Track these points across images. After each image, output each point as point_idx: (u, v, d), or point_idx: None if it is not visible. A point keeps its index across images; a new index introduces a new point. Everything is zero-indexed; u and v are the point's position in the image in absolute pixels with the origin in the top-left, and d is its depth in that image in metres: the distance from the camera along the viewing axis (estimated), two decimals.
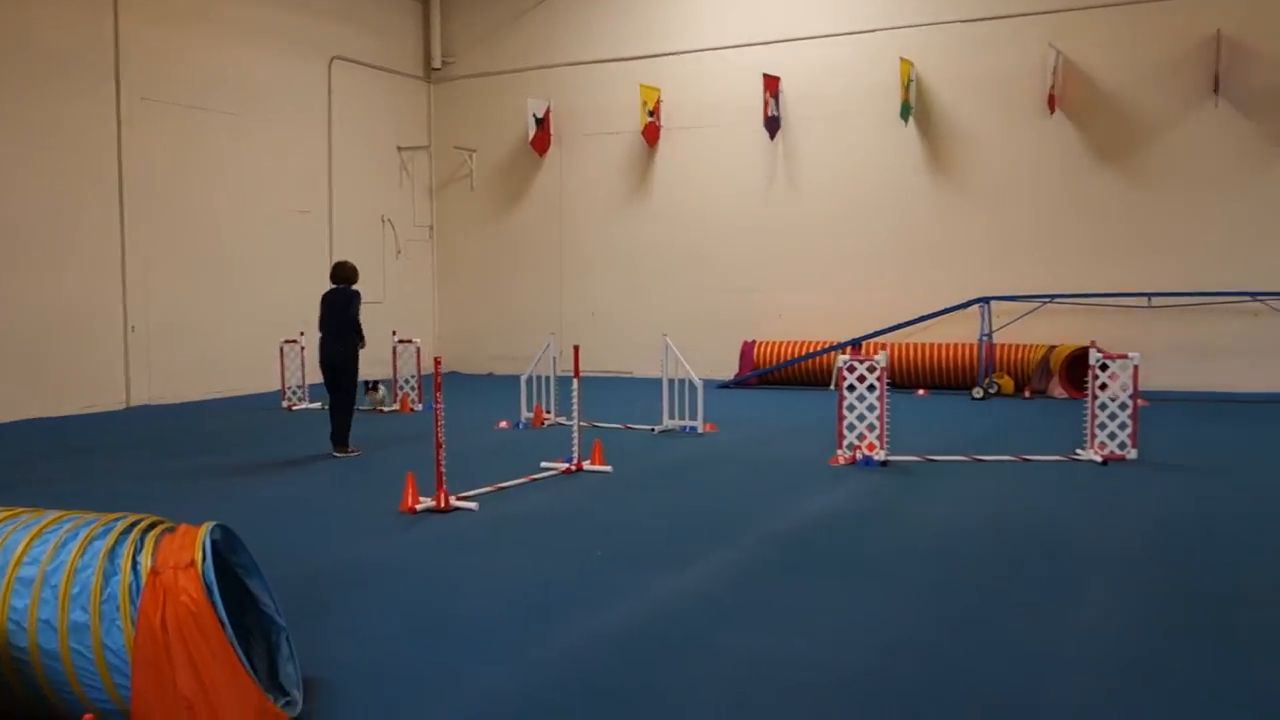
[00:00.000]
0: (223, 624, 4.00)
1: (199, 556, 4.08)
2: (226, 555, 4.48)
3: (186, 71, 16.83)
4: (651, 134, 19.66)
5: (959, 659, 5.01)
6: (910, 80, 17.37)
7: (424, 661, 5.05)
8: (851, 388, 10.29)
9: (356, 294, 11.30)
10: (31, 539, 4.21)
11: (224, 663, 3.97)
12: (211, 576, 4.05)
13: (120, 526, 4.26)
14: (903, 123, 17.57)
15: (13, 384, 14.33)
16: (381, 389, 15.15)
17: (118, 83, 15.78)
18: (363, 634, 5.46)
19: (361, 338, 11.22)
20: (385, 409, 14.96)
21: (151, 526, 4.32)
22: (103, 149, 15.63)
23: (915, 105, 17.57)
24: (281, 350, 15.98)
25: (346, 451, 11.19)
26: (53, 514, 4.43)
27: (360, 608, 5.90)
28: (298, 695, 4.42)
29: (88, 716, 3.76)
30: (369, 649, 5.23)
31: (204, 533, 4.21)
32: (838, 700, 4.53)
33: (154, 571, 4.03)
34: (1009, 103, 17.22)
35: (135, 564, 4.07)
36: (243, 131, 17.79)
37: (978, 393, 15.80)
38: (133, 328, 16.00)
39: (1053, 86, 16.52)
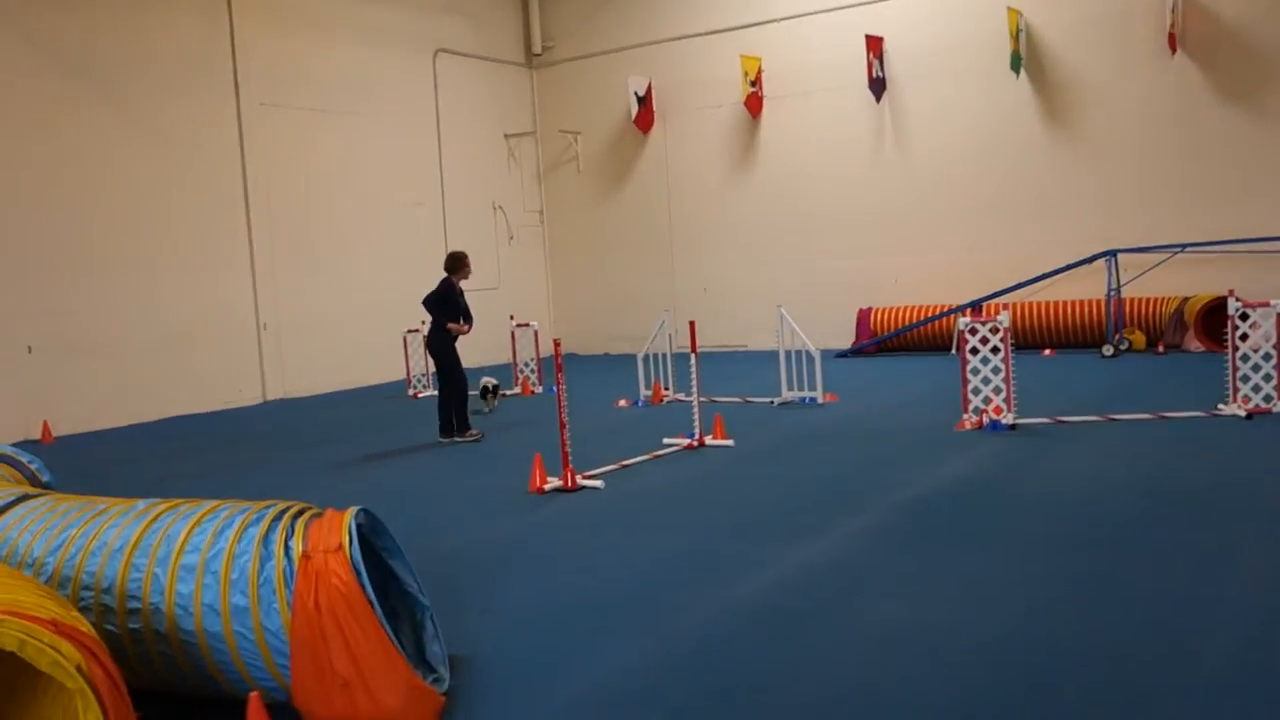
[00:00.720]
0: (372, 604, 4.15)
1: (346, 540, 4.24)
2: (371, 538, 4.64)
3: (299, 74, 17.33)
4: (754, 104, 19.49)
5: (1099, 620, 4.89)
6: (1019, 30, 16.82)
7: (563, 637, 5.16)
8: (975, 350, 10.08)
9: (445, 282, 11.42)
10: (191, 528, 4.43)
11: (375, 641, 4.13)
12: (359, 559, 4.20)
13: (272, 514, 4.45)
14: (1014, 75, 17.04)
15: (158, 383, 15.05)
16: (492, 396, 13.74)
17: (237, 89, 16.34)
18: (502, 612, 5.59)
19: (445, 323, 11.30)
20: (488, 411, 13.54)
21: (301, 513, 4.50)
22: (226, 154, 16.22)
23: (1026, 56, 17.02)
24: (405, 340, 16.39)
25: (457, 436, 11.30)
26: (209, 504, 4.65)
27: (498, 586, 6.05)
28: (444, 672, 4.57)
29: (254, 694, 3.95)
30: (509, 626, 5.36)
31: (349, 517, 4.37)
32: (978, 663, 4.48)
33: (305, 556, 4.20)
34: (1127, 46, 16.54)
35: (288, 549, 4.25)
36: (355, 129, 18.26)
37: (1108, 350, 15.29)
38: (265, 325, 16.62)
39: (1172, 25, 15.81)
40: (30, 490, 5.54)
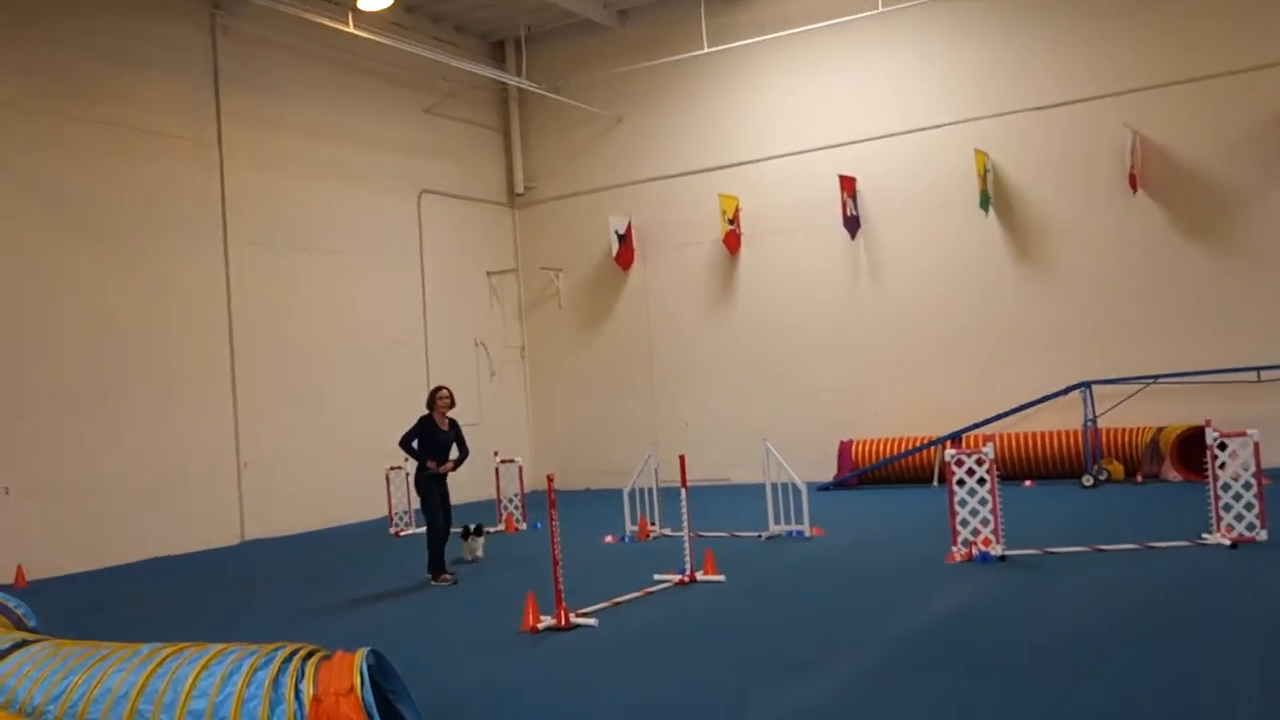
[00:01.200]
0: None
1: (358, 683, 4.22)
2: (379, 680, 4.60)
3: (287, 214, 17.67)
4: (733, 241, 19.99)
5: None
6: (986, 170, 17.49)
7: None
8: (961, 482, 10.18)
9: (421, 419, 11.43)
10: (199, 672, 4.39)
11: None
12: (371, 702, 4.18)
13: (281, 656, 4.42)
14: (983, 213, 17.63)
15: (136, 524, 14.85)
16: (477, 540, 12.63)
17: (225, 229, 16.63)
18: None
19: (411, 455, 11.37)
20: (474, 557, 12.49)
21: (310, 654, 4.47)
22: (212, 292, 16.41)
23: (994, 194, 17.65)
24: (387, 477, 16.32)
25: (436, 579, 11.07)
26: (216, 647, 4.61)
27: None
28: None
29: None
30: None
31: (360, 659, 4.35)
32: None
33: (317, 699, 4.17)
34: (1090, 185, 17.21)
35: (298, 692, 4.22)
36: (340, 267, 18.54)
37: (1087, 480, 15.45)
38: (245, 463, 16.53)
39: (1133, 166, 16.49)
40: (27, 635, 5.46)
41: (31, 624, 6.58)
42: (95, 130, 14.99)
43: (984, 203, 17.51)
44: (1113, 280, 17.07)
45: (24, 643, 5.10)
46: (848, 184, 18.77)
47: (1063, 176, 17.42)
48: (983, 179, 17.44)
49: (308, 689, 4.21)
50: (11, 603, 6.87)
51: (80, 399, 14.46)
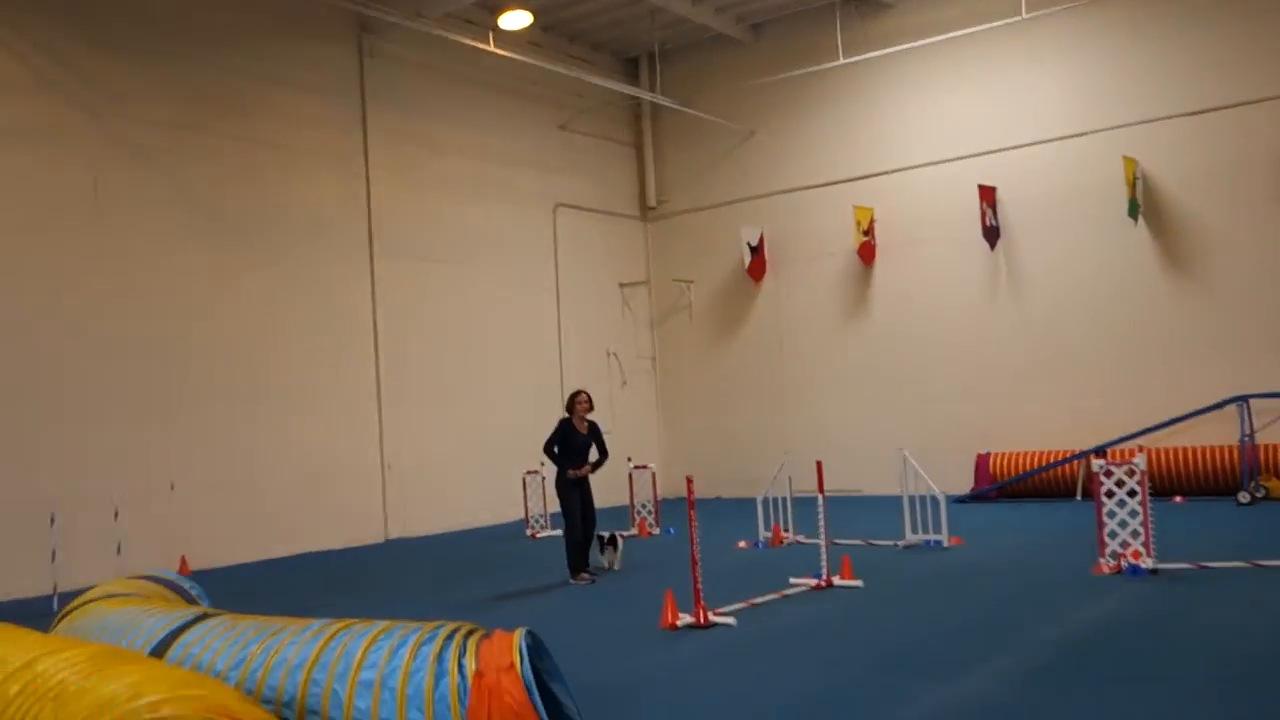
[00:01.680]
0: None
1: (518, 659, 4.38)
2: (534, 660, 4.76)
3: (428, 228, 18.29)
4: (867, 253, 19.81)
5: None
6: (1136, 178, 16.93)
7: None
8: (1110, 493, 9.89)
9: (561, 422, 11.66)
10: (368, 645, 4.62)
11: None
12: (530, 678, 4.34)
13: (444, 633, 4.62)
14: (1132, 222, 17.07)
15: (288, 520, 15.56)
16: (614, 552, 12.13)
17: (370, 243, 17.31)
18: None
19: (552, 459, 11.59)
20: (612, 568, 12.07)
21: (471, 633, 4.66)
22: (359, 303, 17.09)
23: (1144, 203, 17.07)
24: (524, 480, 16.70)
25: (575, 578, 11.32)
26: (382, 623, 4.85)
27: (642, 715, 6.06)
28: None
29: None
30: None
31: (519, 637, 4.52)
32: None
33: (479, 674, 4.34)
34: (1244, 192, 16.48)
35: (461, 666, 4.41)
36: (479, 278, 19.08)
37: (1244, 497, 14.78)
38: (388, 466, 17.13)
39: None
40: (206, 610, 5.82)
41: (205, 604, 7.00)
42: (251, 148, 15.77)
43: (1133, 211, 16.95)
44: (1269, 290, 16.29)
45: (205, 616, 5.45)
46: (987, 194, 18.42)
47: (1216, 184, 16.74)
48: (1131, 186, 16.88)
49: (470, 664, 4.39)
50: (186, 584, 7.32)
51: (237, 401, 15.24)
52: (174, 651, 5.05)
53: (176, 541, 14.07)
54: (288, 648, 4.79)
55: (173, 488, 14.38)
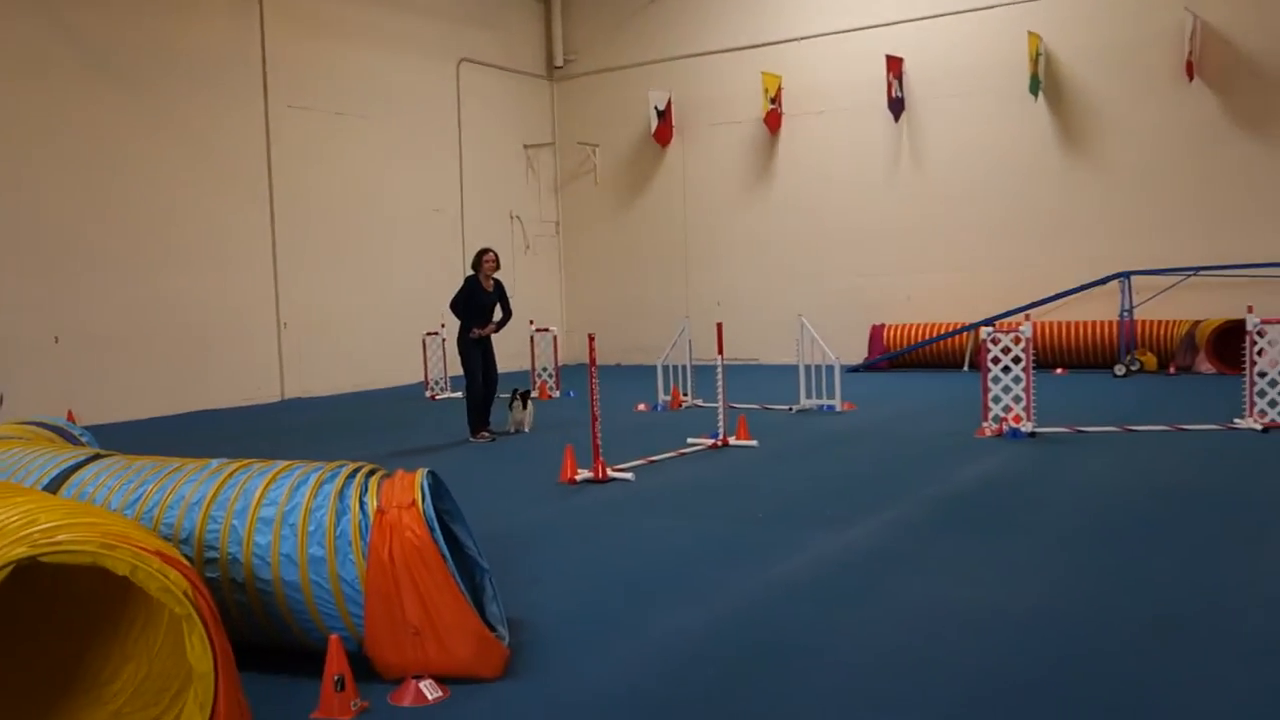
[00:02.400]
0: (444, 558, 4.32)
1: (419, 497, 4.41)
2: (435, 501, 4.80)
3: (326, 77, 17.60)
4: (774, 121, 19.76)
5: (1127, 599, 5.08)
6: (1039, 54, 17.10)
7: (610, 604, 5.34)
8: (995, 359, 10.27)
9: (466, 281, 11.52)
10: (268, 484, 4.61)
11: (446, 593, 4.30)
12: (432, 515, 4.38)
13: (345, 472, 4.63)
14: (1032, 98, 17.31)
15: (177, 378, 15.24)
16: (523, 410, 11.97)
17: (265, 90, 16.60)
18: (549, 583, 5.77)
19: (459, 317, 11.47)
20: (520, 428, 11.92)
21: (372, 472, 4.68)
22: (253, 155, 16.47)
23: (1045, 79, 17.29)
24: (424, 342, 16.58)
25: (475, 436, 11.39)
26: (282, 463, 4.82)
27: (541, 561, 6.22)
28: (504, 631, 4.72)
29: (334, 638, 4.11)
30: (557, 595, 5.53)
31: (420, 477, 4.55)
32: (1010, 633, 4.66)
33: (380, 511, 4.37)
34: (1145, 72, 16.81)
35: (363, 504, 4.43)
36: (378, 133, 18.52)
37: (1120, 370, 15.49)
38: (285, 324, 16.81)
39: (1190, 53, 16.08)
40: (100, 451, 5.71)
41: (95, 449, 6.86)
42: None
43: (1034, 87, 17.17)
44: (1161, 170, 16.80)
45: (98, 456, 5.35)
46: (894, 65, 18.43)
47: (1118, 62, 17.01)
48: (1034, 63, 17.06)
49: (371, 501, 4.41)
50: (77, 430, 7.16)
51: (124, 253, 14.69)
52: (67, 490, 4.96)
53: (62, 396, 13.69)
54: (185, 485, 4.74)
55: (57, 340, 13.92)
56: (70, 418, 13.46)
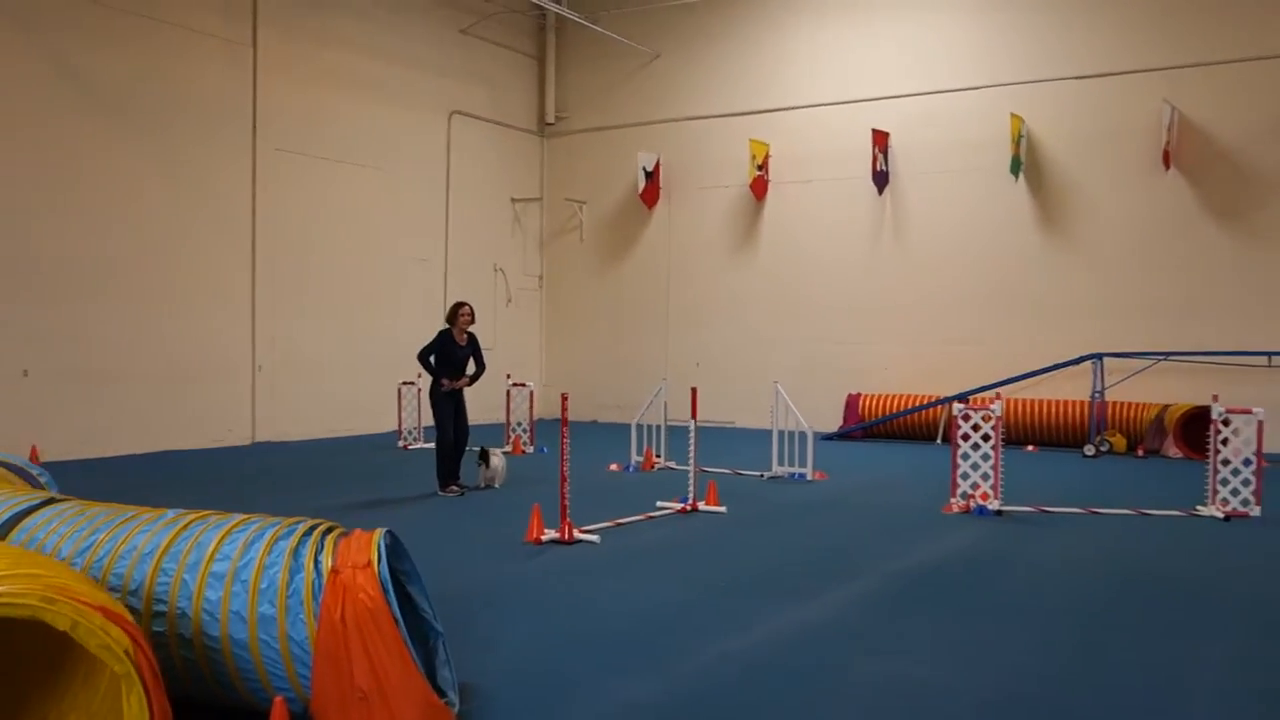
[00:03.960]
0: (397, 622, 4.29)
1: (375, 558, 4.39)
2: (392, 561, 4.77)
3: (317, 124, 17.72)
4: (760, 188, 19.98)
5: (1082, 686, 5.07)
6: (1021, 135, 17.41)
7: (565, 671, 5.29)
8: (965, 436, 10.32)
9: (440, 334, 11.50)
10: (222, 538, 4.57)
11: (397, 658, 4.26)
12: (387, 577, 4.35)
13: (302, 529, 4.60)
14: (1013, 178, 17.59)
15: (148, 417, 15.13)
16: (493, 462, 11.95)
17: (254, 133, 16.70)
18: (504, 646, 5.72)
19: (427, 369, 11.41)
20: (496, 484, 11.93)
21: (329, 530, 4.65)
22: (238, 196, 16.52)
23: (1026, 160, 17.59)
24: (399, 391, 16.54)
25: (444, 489, 11.35)
26: (238, 516, 4.79)
27: (499, 623, 6.17)
28: (454, 697, 4.67)
29: (278, 700, 4.06)
30: (512, 659, 5.49)
31: (378, 537, 4.52)
32: (963, 715, 4.64)
33: (334, 571, 4.34)
34: (1123, 159, 17.13)
35: (317, 563, 4.39)
36: (366, 181, 18.62)
37: (1089, 450, 15.59)
38: (260, 367, 16.75)
39: (1167, 143, 16.40)
40: (55, 495, 5.66)
41: (54, 491, 6.79)
42: (136, 21, 14.99)
43: (1015, 168, 17.45)
44: (1136, 255, 17.05)
45: (52, 500, 5.29)
46: (880, 139, 18.72)
47: (1097, 148, 17.34)
48: (1016, 144, 17.37)
49: (326, 561, 4.38)
50: (35, 470, 7.08)
51: (100, 287, 14.64)
52: (17, 535, 4.90)
53: (28, 430, 13.57)
54: (138, 536, 4.70)
55: (26, 374, 13.82)
56: (34, 453, 13.36)
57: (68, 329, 14.25)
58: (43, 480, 7.09)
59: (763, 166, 19.91)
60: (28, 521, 5.02)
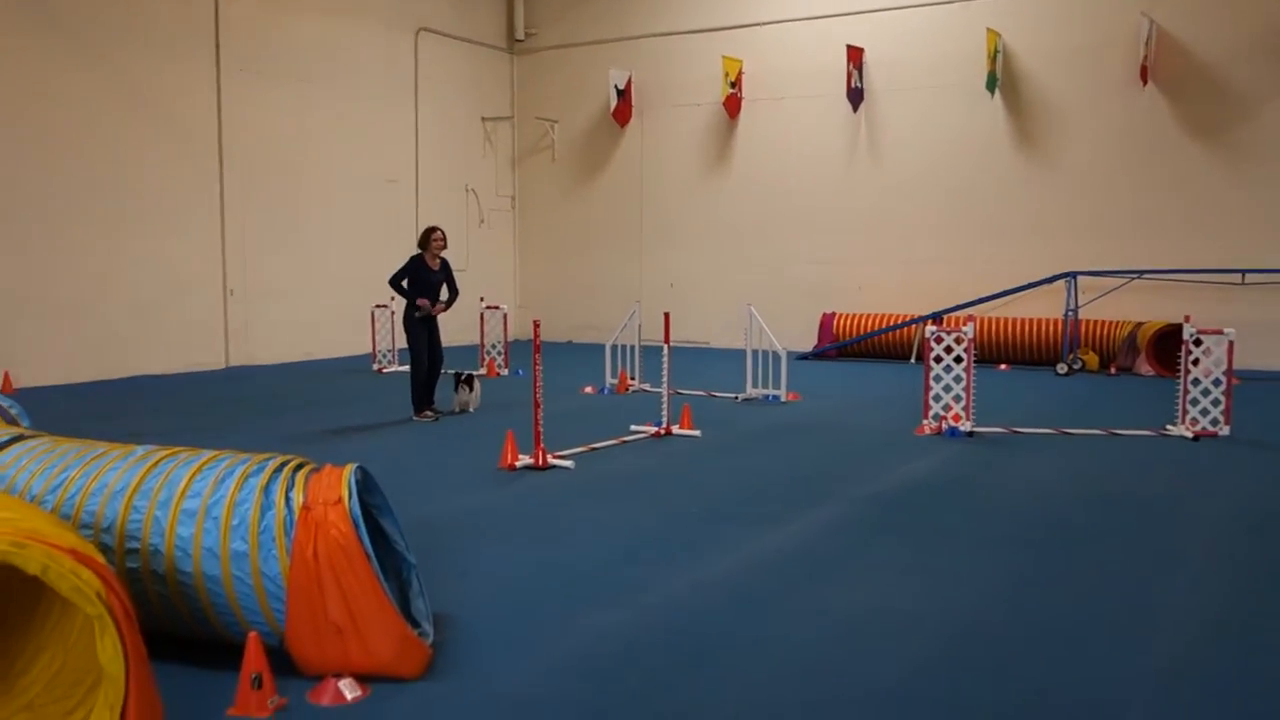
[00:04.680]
0: (368, 557, 4.31)
1: (346, 494, 4.39)
2: (364, 495, 4.78)
3: (282, 43, 17.31)
4: (733, 105, 19.74)
5: (1050, 611, 5.17)
6: (997, 51, 17.22)
7: (541, 601, 5.35)
8: (938, 358, 10.39)
9: (412, 258, 11.40)
10: (193, 474, 4.56)
11: (370, 592, 4.28)
12: (358, 513, 4.36)
13: (273, 465, 4.59)
14: (989, 94, 17.44)
15: (120, 342, 15.00)
16: (469, 389, 11.98)
17: (218, 54, 16.30)
18: (480, 576, 5.77)
19: (400, 294, 11.34)
20: (464, 409, 11.89)
21: (300, 466, 4.65)
22: (203, 118, 16.18)
23: (1002, 77, 17.42)
24: (372, 314, 16.44)
25: (419, 415, 11.35)
26: (209, 453, 4.77)
27: (473, 553, 6.22)
28: (429, 628, 4.72)
29: (253, 634, 4.09)
30: (486, 589, 5.54)
31: (349, 473, 4.52)
32: (933, 646, 4.73)
33: (306, 507, 4.34)
34: (1100, 75, 16.99)
35: (289, 499, 4.39)
36: (334, 101, 18.26)
37: (1062, 369, 15.72)
38: (231, 291, 16.59)
39: (1145, 58, 16.27)
40: (23, 431, 5.61)
41: (25, 424, 6.74)
42: None
43: (991, 84, 17.29)
44: (1112, 173, 17.02)
45: (21, 437, 5.25)
46: (855, 55, 18.47)
47: (1074, 63, 17.18)
48: (992, 60, 17.18)
49: (297, 497, 4.38)
50: (5, 402, 7.02)
51: (70, 215, 14.41)
52: None
53: (0, 357, 13.43)
54: (109, 473, 4.68)
55: None
56: (6, 379, 13.26)
57: (37, 256, 14.03)
58: (13, 413, 7.03)
59: (736, 84, 19.64)
60: None
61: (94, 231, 14.70)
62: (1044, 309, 16.84)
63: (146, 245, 15.36)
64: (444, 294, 11.48)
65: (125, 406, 12.39)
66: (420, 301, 11.25)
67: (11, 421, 6.80)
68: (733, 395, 13.10)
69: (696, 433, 10.32)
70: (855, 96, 18.58)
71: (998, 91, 17.45)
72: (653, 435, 10.24)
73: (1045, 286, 16.32)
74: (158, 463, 4.70)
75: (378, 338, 16.37)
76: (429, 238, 11.40)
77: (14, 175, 13.79)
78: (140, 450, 4.88)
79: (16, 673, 4.08)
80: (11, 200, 13.77)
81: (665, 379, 10.51)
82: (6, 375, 13.35)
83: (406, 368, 12.43)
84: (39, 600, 4.12)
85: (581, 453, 9.22)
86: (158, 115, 15.51)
